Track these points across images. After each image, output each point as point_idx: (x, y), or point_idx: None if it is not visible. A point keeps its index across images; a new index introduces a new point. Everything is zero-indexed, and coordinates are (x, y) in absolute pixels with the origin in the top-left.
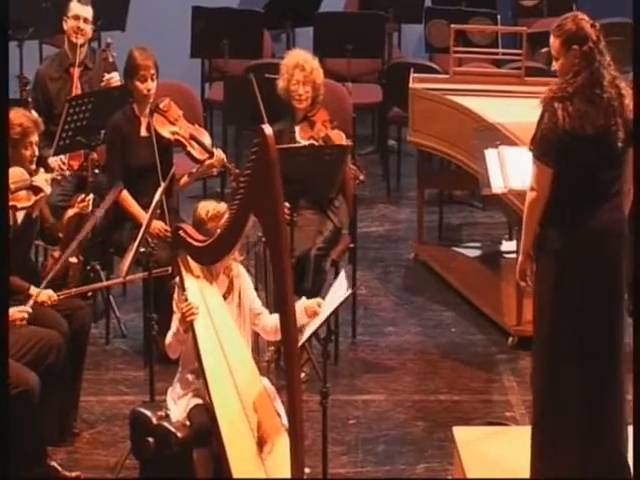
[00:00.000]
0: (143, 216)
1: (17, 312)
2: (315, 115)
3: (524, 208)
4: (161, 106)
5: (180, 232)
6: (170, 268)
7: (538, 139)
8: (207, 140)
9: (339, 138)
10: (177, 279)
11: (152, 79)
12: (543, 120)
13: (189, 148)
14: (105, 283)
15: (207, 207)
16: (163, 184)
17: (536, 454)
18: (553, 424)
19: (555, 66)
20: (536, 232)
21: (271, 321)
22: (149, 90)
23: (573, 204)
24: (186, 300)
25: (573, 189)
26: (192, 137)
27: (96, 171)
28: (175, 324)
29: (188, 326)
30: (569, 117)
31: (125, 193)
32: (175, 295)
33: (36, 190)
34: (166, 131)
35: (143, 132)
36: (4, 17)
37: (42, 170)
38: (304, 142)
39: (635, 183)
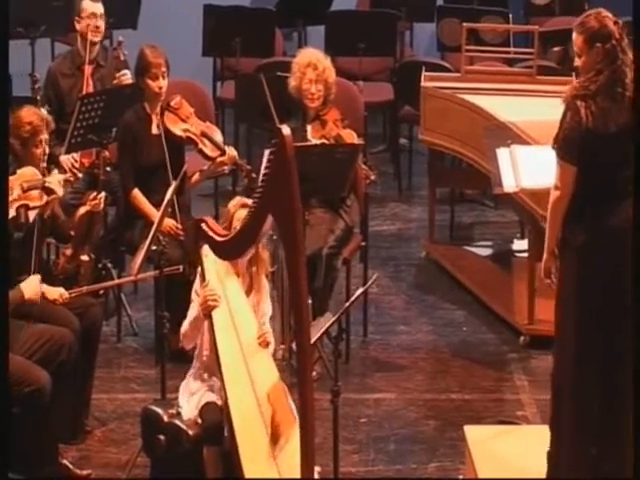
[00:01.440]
0: (154, 214)
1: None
2: (327, 114)
3: (548, 206)
4: (172, 104)
5: (203, 225)
6: (181, 267)
7: (561, 138)
8: (219, 137)
9: (351, 137)
10: (199, 269)
11: (163, 77)
12: (565, 119)
13: (201, 145)
14: (116, 281)
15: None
16: (174, 182)
17: (556, 453)
18: (575, 424)
19: (578, 63)
20: (560, 230)
21: None
22: (160, 88)
23: (595, 201)
24: (207, 286)
25: (595, 187)
26: (204, 134)
27: (108, 169)
28: (193, 312)
29: (208, 312)
30: (592, 115)
31: (136, 191)
32: (195, 283)
33: (48, 191)
34: (177, 129)
35: (154, 130)
36: (4, 17)
37: (55, 171)
38: (315, 141)
39: (635, 184)
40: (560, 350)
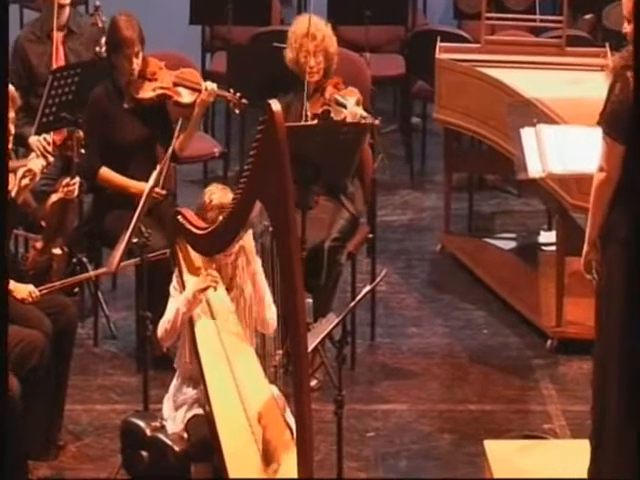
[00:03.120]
0: (132, 185)
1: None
2: (326, 82)
3: (592, 190)
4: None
5: (179, 217)
6: (168, 251)
7: (608, 113)
8: (194, 77)
9: (353, 93)
10: (176, 269)
11: (137, 56)
12: (614, 91)
13: (176, 97)
14: (92, 273)
15: (212, 193)
16: (158, 166)
17: (599, 470)
18: (617, 430)
19: (627, 29)
20: (604, 218)
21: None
22: (134, 69)
23: None
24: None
25: None
26: (176, 83)
27: (82, 151)
28: (172, 307)
29: (202, 293)
30: None
31: (104, 169)
32: (173, 280)
33: (26, 174)
34: (147, 93)
35: (126, 103)
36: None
37: (34, 154)
38: (315, 121)
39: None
40: (602, 353)
